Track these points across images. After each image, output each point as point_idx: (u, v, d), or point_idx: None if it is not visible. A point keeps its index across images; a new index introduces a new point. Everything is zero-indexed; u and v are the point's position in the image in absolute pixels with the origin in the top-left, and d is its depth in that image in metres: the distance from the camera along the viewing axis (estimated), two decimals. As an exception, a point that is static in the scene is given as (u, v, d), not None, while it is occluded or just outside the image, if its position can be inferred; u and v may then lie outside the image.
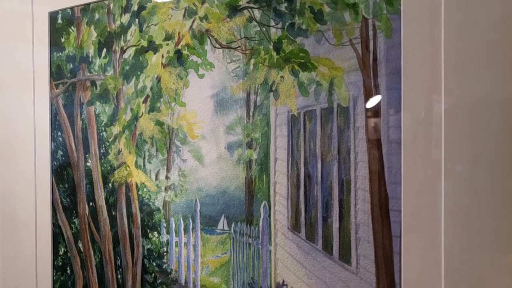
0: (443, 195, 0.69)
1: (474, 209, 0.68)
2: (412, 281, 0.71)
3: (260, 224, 0.85)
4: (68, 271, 1.08)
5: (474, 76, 0.68)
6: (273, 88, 0.80)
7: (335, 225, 0.78)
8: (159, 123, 0.93)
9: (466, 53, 0.68)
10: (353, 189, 0.76)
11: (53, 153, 1.08)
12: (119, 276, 1.02)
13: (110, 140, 1.00)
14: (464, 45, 0.68)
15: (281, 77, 0.79)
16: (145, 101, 0.94)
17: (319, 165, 0.79)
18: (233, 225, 0.88)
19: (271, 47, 0.79)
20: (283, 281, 0.83)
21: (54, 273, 1.09)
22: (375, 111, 0.73)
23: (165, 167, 0.94)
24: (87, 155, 1.04)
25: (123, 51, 0.96)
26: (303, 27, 0.77)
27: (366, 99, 0.73)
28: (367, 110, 0.73)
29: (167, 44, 0.90)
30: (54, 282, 1.09)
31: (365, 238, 0.75)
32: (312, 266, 0.80)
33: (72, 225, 1.08)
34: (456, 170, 0.69)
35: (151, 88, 0.92)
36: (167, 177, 0.94)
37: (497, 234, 0.68)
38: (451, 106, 0.69)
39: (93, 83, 1.00)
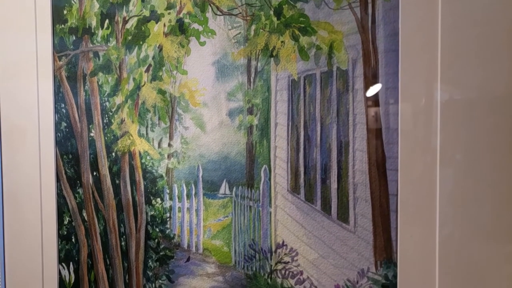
0: (438, 151, 0.68)
1: (467, 165, 0.67)
2: (408, 238, 0.71)
3: (261, 187, 0.85)
4: (73, 240, 1.07)
5: (470, 27, 0.67)
6: (274, 54, 0.79)
7: (334, 186, 0.78)
8: (161, 92, 0.92)
9: (463, 11, 0.67)
10: (351, 150, 0.76)
11: (57, 125, 1.07)
12: (123, 243, 1.01)
13: (113, 110, 0.99)
14: (461, 5, 0.67)
15: (282, 42, 0.78)
16: (147, 71, 0.93)
17: (318, 128, 0.78)
18: (234, 189, 0.88)
19: (271, 12, 0.78)
20: (283, 242, 0.83)
21: (59, 242, 1.08)
22: (373, 73, 0.73)
23: (168, 135, 0.93)
24: (90, 126, 1.03)
25: (125, 21, 0.94)
26: (303, -7, 0.76)
27: (365, 61, 0.73)
28: (365, 72, 0.73)
29: (169, 13, 0.88)
30: (59, 251, 1.08)
31: (363, 198, 0.75)
32: (311, 226, 0.80)
33: (76, 195, 1.07)
34: (451, 126, 0.67)
35: (153, 57, 0.91)
36: (169, 145, 0.93)
37: (493, 193, 0.67)
38: (448, 64, 0.68)
39: (96, 54, 0.99)
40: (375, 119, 0.72)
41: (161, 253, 0.96)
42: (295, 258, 0.81)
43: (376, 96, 0.71)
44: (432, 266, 0.68)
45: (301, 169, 0.79)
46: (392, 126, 0.71)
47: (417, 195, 0.69)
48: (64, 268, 1.05)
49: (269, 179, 0.82)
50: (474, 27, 0.66)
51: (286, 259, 0.82)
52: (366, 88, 0.72)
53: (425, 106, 0.67)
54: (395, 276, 0.73)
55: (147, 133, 0.94)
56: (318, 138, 0.77)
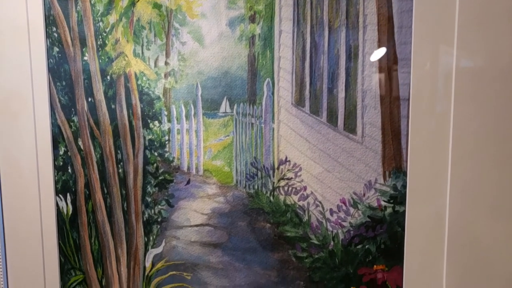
0: (455, 58, 0.58)
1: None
2: (420, 145, 0.64)
3: (263, 102, 0.76)
4: (69, 170, 0.98)
5: None
6: (278, -48, 0.69)
7: (341, 95, 0.69)
8: (157, 6, 0.81)
9: None
10: (361, 55, 0.67)
11: (49, 50, 0.96)
12: (120, 170, 0.93)
13: (107, 30, 0.88)
14: None
15: None
16: (142, -17, 0.82)
17: (326, 33, 0.69)
18: (235, 106, 0.79)
19: None
20: (286, 158, 0.76)
21: (55, 174, 1.00)
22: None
23: (164, 52, 0.83)
24: (83, 49, 0.92)
25: None
26: None
27: (378, -47, 0.64)
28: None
29: None
30: (56, 183, 1.00)
31: (372, 105, 0.68)
32: (315, 139, 0.73)
33: (71, 124, 0.97)
34: None
35: (148, -32, 0.80)
36: (166, 63, 0.84)
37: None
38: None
39: (87, -30, 0.88)
40: (387, 18, 0.63)
41: (160, 178, 0.88)
42: (298, 174, 0.74)
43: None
44: (443, 173, 0.61)
45: (307, 79, 0.70)
46: (405, 24, 0.62)
47: (430, 99, 0.61)
48: (61, 199, 0.97)
49: (272, 93, 0.73)
50: None
51: (289, 175, 0.75)
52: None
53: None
54: (404, 186, 0.66)
55: (142, 52, 0.85)
56: (326, 44, 0.68)
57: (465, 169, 0.59)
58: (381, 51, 0.63)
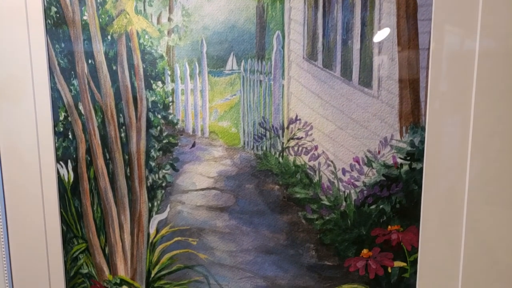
0: None
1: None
2: (440, 95, 0.59)
3: (273, 57, 0.71)
4: (70, 136, 0.93)
5: None
6: None
7: (356, 46, 0.64)
8: (160, -43, 0.76)
9: None
10: (378, 2, 0.62)
11: (46, 11, 0.90)
12: (122, 135, 0.88)
13: (107, -14, 0.83)
14: None
15: None
16: None
17: (340, -20, 0.64)
18: (242, 63, 0.73)
19: None
20: (296, 116, 0.71)
21: (56, 140, 0.95)
22: None
23: (167, 8, 0.78)
24: (83, 8, 0.86)
25: None
26: None
27: None
28: None
29: None
30: (57, 149, 0.95)
31: (389, 56, 0.62)
32: (328, 95, 0.68)
33: (71, 87, 0.92)
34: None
35: None
36: (169, 19, 0.78)
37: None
38: None
39: None
40: (407, -40, 0.57)
41: (164, 141, 0.83)
42: (309, 133, 0.69)
43: None
44: (464, 128, 0.57)
45: (319, 31, 0.65)
46: (427, -34, 0.57)
47: (452, 47, 0.57)
48: (62, 166, 0.92)
49: (283, 47, 0.68)
50: None
51: (300, 134, 0.70)
52: None
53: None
54: (422, 141, 0.62)
55: (144, 9, 0.79)
56: (340, -8, 0.63)
57: (488, 122, 0.55)
58: (399, -2, 0.57)
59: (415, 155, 0.61)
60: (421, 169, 0.59)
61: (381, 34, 0.59)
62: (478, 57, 0.54)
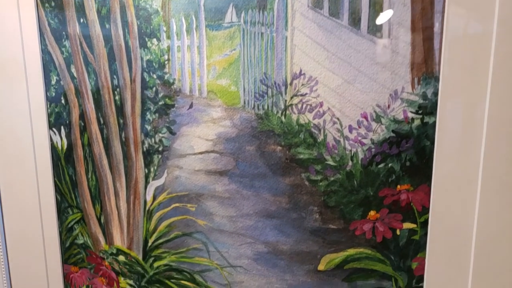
0: None
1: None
2: (457, 41, 0.54)
3: (275, 7, 0.65)
4: (63, 101, 0.88)
5: None
6: None
7: (365, -9, 0.59)
8: None
9: None
10: None
11: (35, -34, 0.85)
12: (117, 97, 0.83)
13: None
14: None
15: None
16: None
17: None
18: (243, 14, 0.67)
19: None
20: (301, 71, 0.66)
21: (48, 106, 0.90)
22: None
23: (163, -43, 0.72)
24: (72, -38, 0.81)
25: None
26: None
27: None
28: None
29: None
30: (49, 115, 0.91)
31: (400, 1, 0.58)
32: (335, 47, 0.62)
33: (63, 49, 0.86)
34: None
35: None
36: (165, -30, 0.73)
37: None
38: None
39: None
40: None
41: (160, 103, 0.78)
42: (314, 88, 0.64)
43: None
44: (482, 75, 0.52)
45: (326, -25, 0.60)
46: None
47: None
48: (55, 133, 0.87)
49: (285, -5, 0.63)
50: None
51: (304, 90, 0.65)
52: None
53: None
54: (435, 93, 0.57)
55: (138, -40, 0.74)
56: None
57: (509, 70, 0.50)
58: None
59: (428, 108, 0.56)
60: (434, 123, 0.55)
61: (393, -23, 0.54)
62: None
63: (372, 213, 0.60)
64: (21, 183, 0.88)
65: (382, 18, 0.53)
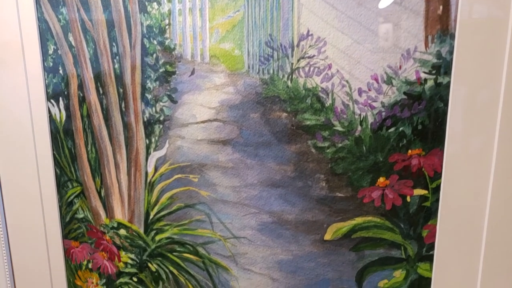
0: None
1: None
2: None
3: (281, -36, 0.62)
4: (60, 71, 0.85)
5: None
6: None
7: None
8: None
9: None
10: None
11: None
12: (116, 66, 0.80)
13: None
14: None
15: None
16: None
17: None
18: (247, -27, 0.65)
19: None
20: (308, 31, 0.62)
21: (45, 76, 0.87)
22: None
23: None
24: None
25: None
26: None
27: None
28: None
29: None
30: (47, 86, 0.87)
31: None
32: (344, 5, 0.58)
33: (60, 16, 0.83)
34: None
35: None
36: None
37: None
38: None
39: None
40: None
41: (160, 70, 0.75)
42: (322, 50, 0.61)
43: None
44: (501, 31, 0.49)
45: None
46: None
47: None
48: (53, 105, 0.84)
49: (292, -50, 0.59)
50: None
51: (311, 52, 0.62)
52: None
53: None
54: (450, 51, 0.53)
55: None
56: None
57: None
58: None
59: (442, 67, 0.53)
60: (448, 83, 0.52)
61: None
62: None
63: (381, 179, 0.58)
64: (19, 157, 0.85)
65: (395, -28, 0.50)
